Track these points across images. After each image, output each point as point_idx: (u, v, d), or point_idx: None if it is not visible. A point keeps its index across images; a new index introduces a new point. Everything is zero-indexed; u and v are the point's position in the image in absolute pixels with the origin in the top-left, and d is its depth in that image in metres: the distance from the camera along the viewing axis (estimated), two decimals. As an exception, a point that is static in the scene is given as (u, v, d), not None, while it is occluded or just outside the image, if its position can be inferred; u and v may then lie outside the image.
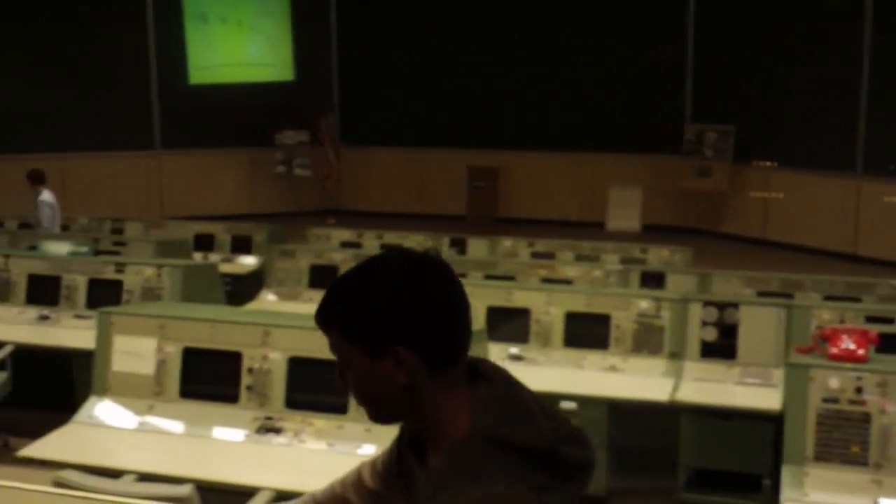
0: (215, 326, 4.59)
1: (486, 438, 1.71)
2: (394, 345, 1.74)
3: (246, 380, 4.45)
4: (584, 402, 5.41)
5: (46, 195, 10.89)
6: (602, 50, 15.92)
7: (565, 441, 1.75)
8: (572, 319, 6.00)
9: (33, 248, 8.55)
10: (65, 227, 11.00)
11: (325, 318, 1.82)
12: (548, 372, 5.79)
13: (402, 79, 17.06)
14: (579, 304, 6.03)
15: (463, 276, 7.49)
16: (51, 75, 15.68)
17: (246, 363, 4.46)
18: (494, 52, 16.46)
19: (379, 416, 1.85)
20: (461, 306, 1.80)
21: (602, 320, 5.93)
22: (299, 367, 4.38)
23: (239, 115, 16.50)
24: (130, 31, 16.28)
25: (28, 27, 15.70)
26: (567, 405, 5.43)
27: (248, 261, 9.84)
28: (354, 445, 4.13)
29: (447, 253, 9.30)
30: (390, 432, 2.00)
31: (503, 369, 1.85)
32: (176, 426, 4.46)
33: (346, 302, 1.79)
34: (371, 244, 9.73)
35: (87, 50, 15.76)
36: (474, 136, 16.45)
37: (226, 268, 9.06)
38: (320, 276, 7.88)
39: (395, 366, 1.74)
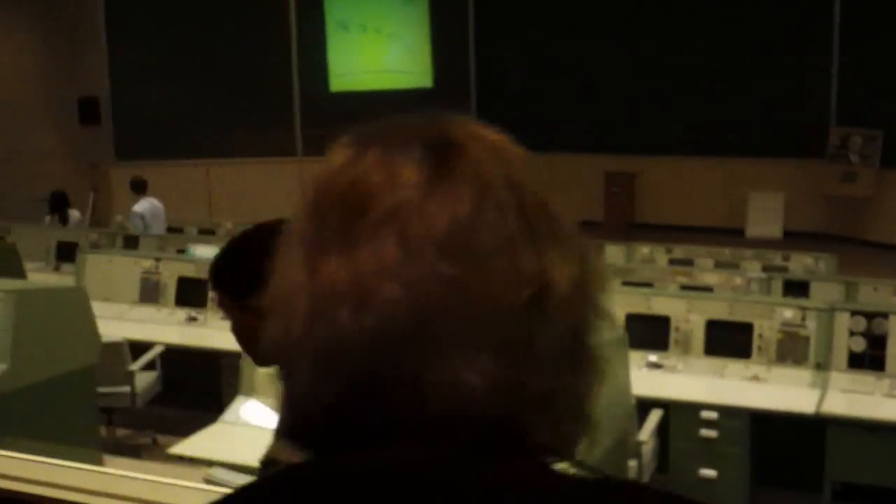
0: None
1: None
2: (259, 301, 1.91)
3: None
4: (726, 412, 5.33)
5: (140, 205, 11.03)
6: (744, 52, 15.59)
7: None
8: (713, 327, 5.90)
9: (182, 251, 8.85)
10: (210, 232, 11.28)
11: (213, 280, 2.28)
12: (688, 380, 5.72)
13: (538, 84, 17.03)
14: (721, 312, 5.93)
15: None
16: (197, 84, 16.21)
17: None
18: (631, 57, 16.26)
19: (260, 362, 2.07)
20: None
21: (744, 329, 5.82)
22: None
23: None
24: (274, 39, 16.68)
25: (174, 38, 16.25)
26: (708, 415, 5.36)
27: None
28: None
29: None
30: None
31: None
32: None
33: (223, 265, 2.28)
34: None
35: (232, 59, 16.21)
36: (611, 141, 16.30)
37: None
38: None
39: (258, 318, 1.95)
